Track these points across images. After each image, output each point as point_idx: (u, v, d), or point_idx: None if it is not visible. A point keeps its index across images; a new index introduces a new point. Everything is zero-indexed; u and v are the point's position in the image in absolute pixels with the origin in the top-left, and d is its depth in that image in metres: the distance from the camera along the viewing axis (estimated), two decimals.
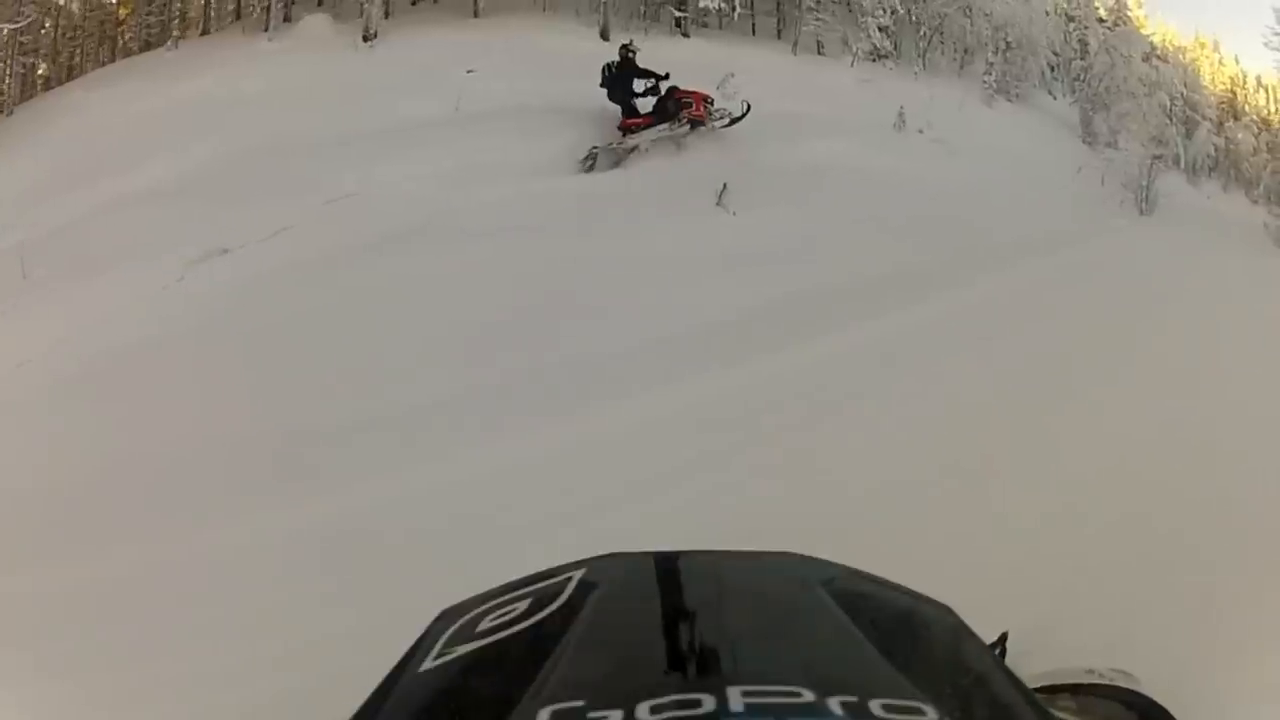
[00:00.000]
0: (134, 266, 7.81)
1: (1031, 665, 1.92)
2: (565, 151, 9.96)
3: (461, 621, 1.17)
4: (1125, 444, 5.56)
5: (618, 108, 10.32)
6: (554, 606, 1.14)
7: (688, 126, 10.33)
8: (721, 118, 10.49)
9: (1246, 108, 17.50)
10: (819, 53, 13.84)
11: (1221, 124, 17.16)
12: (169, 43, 10.99)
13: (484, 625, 1.14)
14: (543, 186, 9.27)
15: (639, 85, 10.35)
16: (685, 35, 12.61)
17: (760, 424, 5.77)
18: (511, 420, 5.73)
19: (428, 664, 1.09)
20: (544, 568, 1.25)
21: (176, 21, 11.36)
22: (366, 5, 10.88)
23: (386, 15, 11.47)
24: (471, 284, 7.30)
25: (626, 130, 10.24)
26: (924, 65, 14.96)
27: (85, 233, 8.19)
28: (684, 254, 8.32)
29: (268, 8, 11.04)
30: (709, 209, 9.43)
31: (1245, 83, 17.73)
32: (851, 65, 13.52)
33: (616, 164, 10.24)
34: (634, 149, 10.25)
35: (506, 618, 1.14)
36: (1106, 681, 2.03)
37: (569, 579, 1.20)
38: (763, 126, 10.67)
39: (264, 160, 8.92)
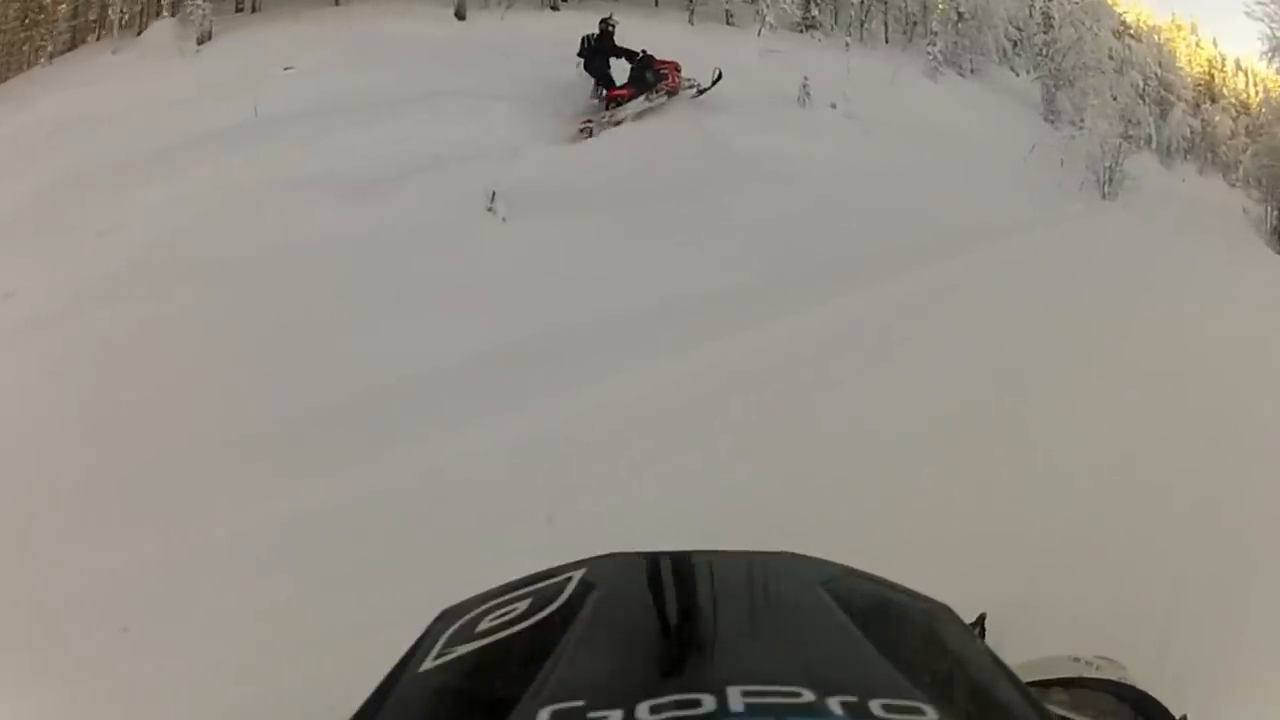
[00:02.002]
0: None
1: (1012, 645, 2.04)
2: (342, 157, 9.84)
3: (461, 621, 1.24)
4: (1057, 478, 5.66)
5: (459, 96, 10.87)
6: (554, 606, 1.21)
7: (665, 97, 11.66)
8: (690, 87, 11.58)
9: (1225, 91, 18.16)
10: (728, 23, 14.07)
11: (1198, 106, 17.77)
12: (43, 60, 11.30)
13: (484, 625, 1.21)
14: (322, 217, 9.10)
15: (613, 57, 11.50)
16: (554, 8, 12.98)
17: None
18: None
19: (427, 664, 1.16)
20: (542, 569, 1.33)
21: (61, 38, 11.65)
22: (199, 7, 11.10)
23: (255, 9, 11.89)
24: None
25: (611, 102, 11.44)
26: (862, 37, 15.21)
27: None
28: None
29: (118, 19, 11.31)
30: (477, 214, 9.35)
31: (1223, 65, 18.41)
32: (759, 35, 13.66)
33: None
34: (621, 121, 11.40)
35: (506, 618, 1.21)
36: (1093, 670, 2.18)
37: (569, 579, 1.27)
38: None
39: (66, 190, 9.03)
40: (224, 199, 8.97)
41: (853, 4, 15.56)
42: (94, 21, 11.71)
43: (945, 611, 1.33)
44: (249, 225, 8.69)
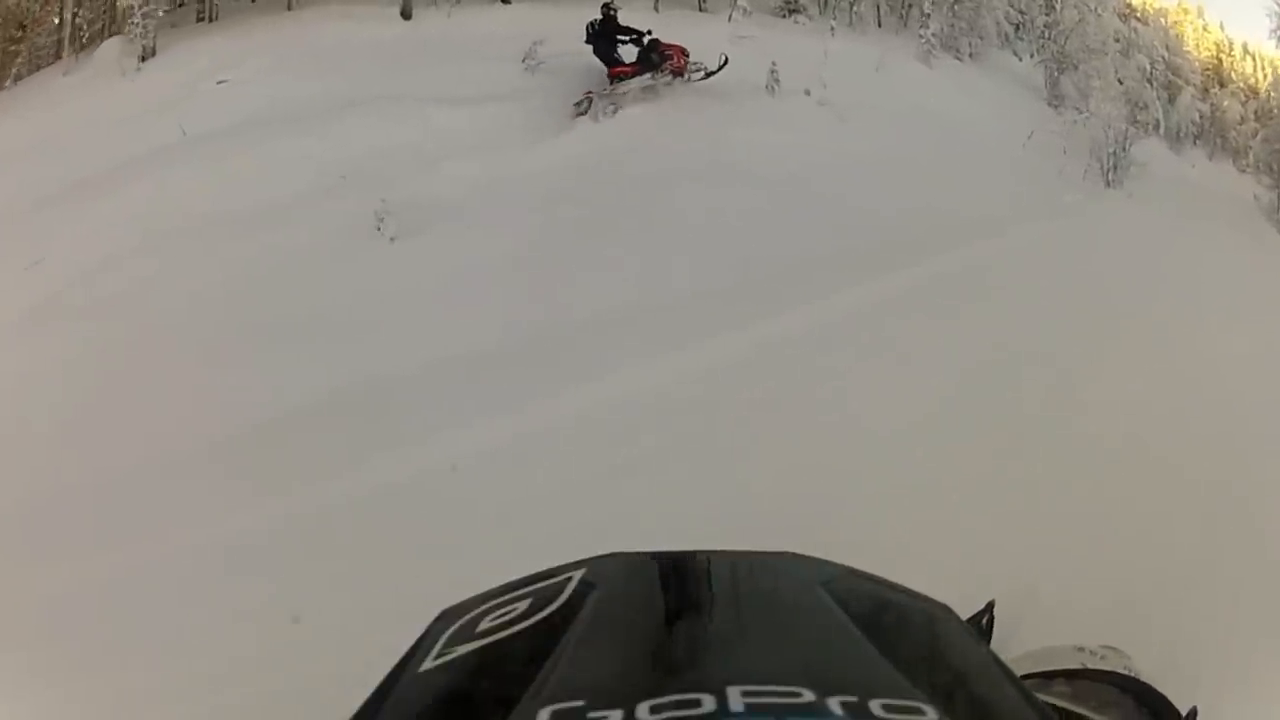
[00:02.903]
0: None
1: (1021, 636, 2.10)
2: (256, 176, 9.77)
3: (461, 621, 1.30)
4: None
5: (415, 93, 11.07)
6: (554, 606, 1.26)
7: (670, 76, 12.12)
8: (697, 70, 11.98)
9: (1233, 75, 18.23)
10: (700, 8, 14.17)
11: (1207, 90, 17.83)
12: (8, 81, 11.30)
13: (484, 625, 1.26)
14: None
15: (621, 38, 12.05)
16: (505, 1, 13.14)
17: None
18: None
19: (427, 664, 1.21)
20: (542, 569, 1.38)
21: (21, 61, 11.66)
22: (138, 24, 11.18)
23: (214, 18, 12.12)
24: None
25: (615, 79, 11.96)
26: (851, 21, 15.18)
27: None
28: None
29: (70, 40, 11.57)
30: (367, 234, 9.19)
31: (1231, 49, 18.50)
32: (730, 20, 13.69)
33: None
34: (625, 94, 11.92)
35: (506, 618, 1.26)
36: (1098, 660, 2.25)
37: (569, 579, 1.32)
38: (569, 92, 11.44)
39: None
40: (134, 231, 9.03)
41: None
42: (56, 42, 11.82)
43: (945, 611, 1.39)
44: (147, 260, 8.74)
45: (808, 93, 12.75)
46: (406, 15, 12.36)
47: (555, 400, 6.84)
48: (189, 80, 10.89)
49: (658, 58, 12.12)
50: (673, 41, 12.13)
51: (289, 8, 12.32)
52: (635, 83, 12.07)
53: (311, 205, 9.36)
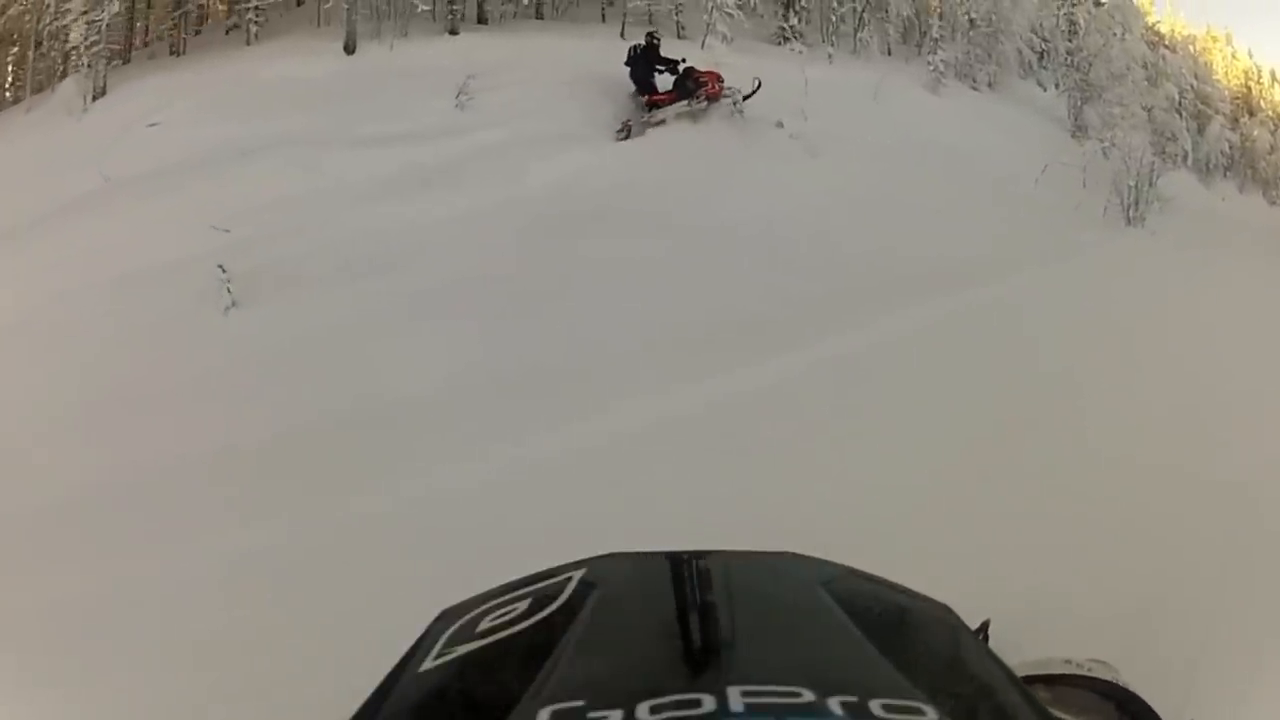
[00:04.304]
0: None
1: (1022, 654, 2.16)
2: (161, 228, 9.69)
3: (461, 621, 1.37)
4: None
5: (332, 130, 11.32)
6: (554, 606, 1.33)
7: (705, 103, 13.10)
8: (730, 95, 13.10)
9: (1262, 103, 18.50)
10: (679, 35, 14.65)
11: (1236, 120, 18.06)
12: None
13: (484, 625, 1.33)
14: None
15: (658, 66, 13.12)
16: (453, 32, 13.56)
17: None
18: None
19: (428, 664, 1.28)
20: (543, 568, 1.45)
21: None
22: (85, 65, 11.63)
23: (183, 52, 12.84)
24: None
25: (653, 105, 13.04)
26: (855, 48, 15.34)
27: None
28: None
29: (29, 76, 12.16)
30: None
31: (1260, 77, 18.77)
32: (703, 47, 13.99)
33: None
34: (661, 122, 12.95)
35: (506, 618, 1.33)
36: (1084, 672, 2.31)
37: (569, 579, 1.40)
38: (510, 145, 11.41)
39: None
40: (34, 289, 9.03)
41: (834, 11, 15.81)
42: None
43: (946, 612, 1.47)
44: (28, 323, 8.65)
45: (780, 124, 13.03)
46: (350, 49, 12.73)
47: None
48: (125, 122, 11.13)
49: (693, 85, 13.08)
50: (708, 68, 12.92)
51: (248, 43, 12.79)
52: (672, 110, 13.07)
53: (177, 270, 9.10)
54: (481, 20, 13.92)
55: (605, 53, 13.51)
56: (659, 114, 13.00)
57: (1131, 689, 2.25)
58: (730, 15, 14.34)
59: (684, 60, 13.16)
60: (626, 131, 12.79)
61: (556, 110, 12.41)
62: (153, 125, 11.10)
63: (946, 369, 7.82)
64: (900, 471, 6.12)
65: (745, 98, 12.93)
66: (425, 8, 13.02)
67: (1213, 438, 7.07)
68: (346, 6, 12.61)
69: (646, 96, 13.15)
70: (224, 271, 8.78)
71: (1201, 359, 8.55)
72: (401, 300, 8.76)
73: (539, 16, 14.58)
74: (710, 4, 14.29)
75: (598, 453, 6.37)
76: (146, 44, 13.09)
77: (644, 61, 13.18)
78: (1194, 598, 4.93)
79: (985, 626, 2.33)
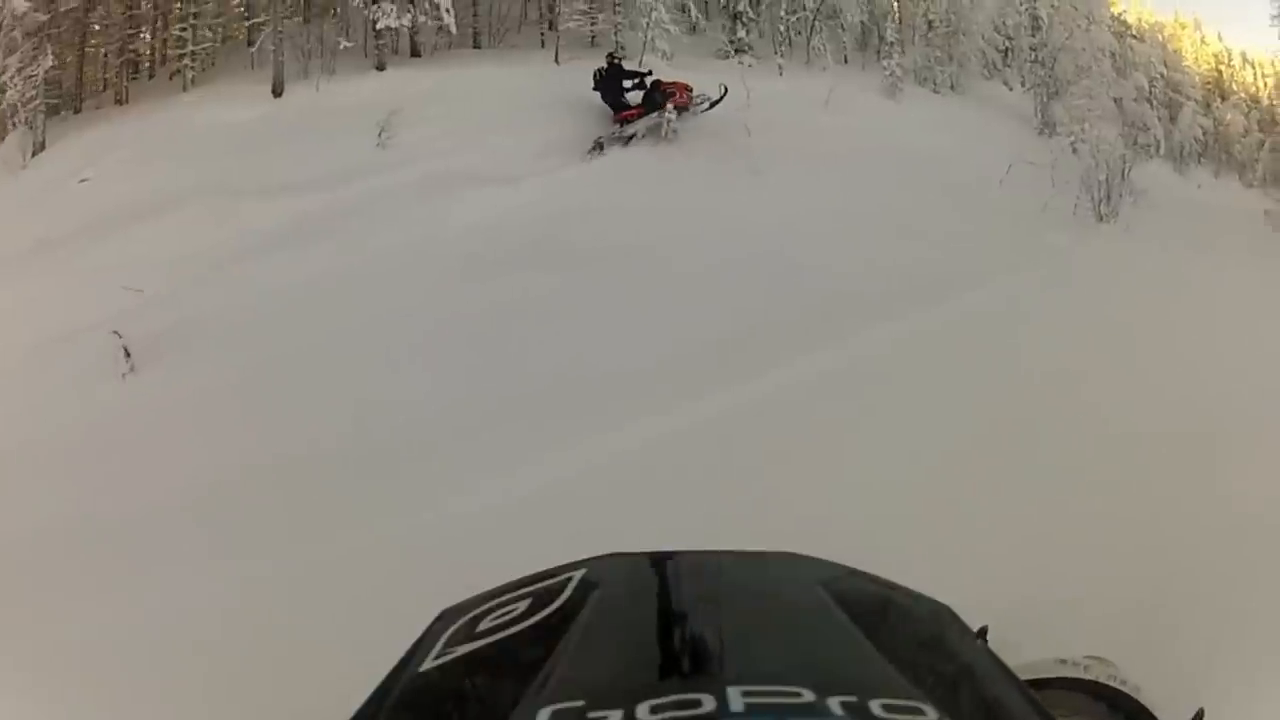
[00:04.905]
0: None
1: (1023, 654, 2.18)
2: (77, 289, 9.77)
3: (461, 621, 1.41)
4: None
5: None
6: (554, 606, 1.37)
7: (675, 113, 13.35)
8: (701, 103, 13.45)
9: (1234, 86, 18.64)
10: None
11: (1209, 105, 18.21)
12: None
13: (484, 625, 1.37)
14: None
15: (626, 83, 13.49)
16: (380, 69, 13.62)
17: None
18: None
19: (428, 664, 1.32)
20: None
21: None
22: (27, 117, 11.79)
23: (126, 100, 12.98)
24: None
25: (623, 121, 13.40)
26: (809, 58, 15.40)
27: None
28: None
29: None
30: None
31: (1230, 60, 18.94)
32: (640, 64, 13.99)
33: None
34: (632, 136, 13.29)
35: (506, 618, 1.37)
36: (1080, 671, 2.34)
37: (569, 579, 1.44)
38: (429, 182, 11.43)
39: None
40: None
41: (784, 20, 15.80)
42: None
43: (945, 612, 1.52)
44: None
45: (721, 142, 12.99)
46: (277, 92, 12.87)
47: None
48: (59, 177, 11.37)
49: (661, 96, 13.37)
50: (674, 80, 13.23)
51: (184, 89, 12.96)
52: (643, 123, 13.40)
53: (91, 333, 9.09)
54: (415, 53, 13.97)
55: (540, 79, 13.72)
56: (629, 129, 13.34)
57: (1127, 685, 2.29)
58: (668, 30, 14.40)
59: (649, 73, 13.54)
60: (599, 148, 13.16)
61: (482, 142, 12.39)
62: (83, 181, 11.27)
63: (920, 389, 7.69)
64: (887, 484, 6.18)
65: (712, 104, 13.21)
66: (349, 44, 13.08)
67: (1205, 437, 7.05)
68: (272, 49, 12.72)
69: (617, 114, 13.46)
70: (120, 336, 8.79)
71: (1184, 356, 8.41)
72: (304, 351, 8.61)
73: (476, 46, 14.64)
74: (646, 21, 14.29)
75: (542, 500, 6.29)
76: (96, 94, 13.12)
77: (612, 81, 13.49)
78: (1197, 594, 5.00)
79: (983, 633, 2.37)
